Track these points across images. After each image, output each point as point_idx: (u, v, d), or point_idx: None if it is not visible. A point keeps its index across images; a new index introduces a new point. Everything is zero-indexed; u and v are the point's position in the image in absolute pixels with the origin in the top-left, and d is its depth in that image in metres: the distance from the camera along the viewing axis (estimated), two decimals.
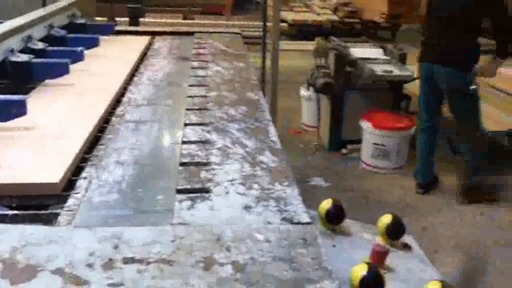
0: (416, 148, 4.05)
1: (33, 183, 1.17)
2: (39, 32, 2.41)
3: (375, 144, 4.21)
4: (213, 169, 1.30)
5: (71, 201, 1.16)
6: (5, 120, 1.49)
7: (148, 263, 0.88)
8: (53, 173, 1.21)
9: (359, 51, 4.46)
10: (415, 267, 1.41)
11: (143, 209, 1.15)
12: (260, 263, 0.89)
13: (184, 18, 12.33)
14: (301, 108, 5.25)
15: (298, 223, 1.04)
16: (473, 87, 3.67)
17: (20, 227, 0.98)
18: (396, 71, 4.22)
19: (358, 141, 4.39)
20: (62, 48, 2.26)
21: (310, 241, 0.96)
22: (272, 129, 1.62)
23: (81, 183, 1.25)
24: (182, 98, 1.97)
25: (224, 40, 3.24)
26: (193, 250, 0.92)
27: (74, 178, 1.27)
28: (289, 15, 10.73)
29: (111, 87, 2.02)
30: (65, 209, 1.12)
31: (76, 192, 1.20)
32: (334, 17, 10.59)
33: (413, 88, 4.68)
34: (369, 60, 4.25)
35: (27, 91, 1.92)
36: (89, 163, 1.36)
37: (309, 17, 10.68)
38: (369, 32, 10.60)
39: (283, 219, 1.06)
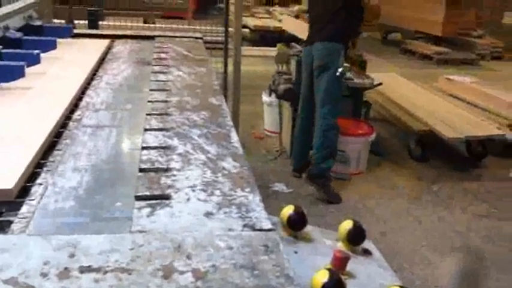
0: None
1: None
2: None
3: None
4: (174, 175, 1.27)
5: (25, 208, 1.12)
6: None
7: (106, 272, 0.85)
8: (6, 179, 1.17)
9: None
10: (375, 272, 1.41)
11: (101, 216, 1.12)
12: (221, 271, 0.87)
13: (145, 22, 12.22)
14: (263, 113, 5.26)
15: (260, 230, 1.02)
16: (340, 69, 3.85)
17: None
18: (358, 79, 4.27)
19: None
20: (17, 50, 2.19)
21: (272, 248, 0.95)
22: (234, 135, 1.61)
23: (36, 189, 1.21)
24: (142, 103, 1.94)
25: (186, 45, 3.21)
26: (153, 258, 0.89)
27: (28, 184, 1.22)
28: (251, 21, 10.77)
29: (68, 91, 1.97)
30: (19, 216, 1.08)
31: (31, 198, 1.16)
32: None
33: (374, 95, 4.75)
34: None
35: None
36: (45, 169, 1.32)
37: (270, 23, 10.74)
38: None
39: (245, 225, 1.04)
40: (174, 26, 8.25)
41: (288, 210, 1.36)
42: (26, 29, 2.73)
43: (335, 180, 4.27)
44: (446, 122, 4.35)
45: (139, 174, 1.28)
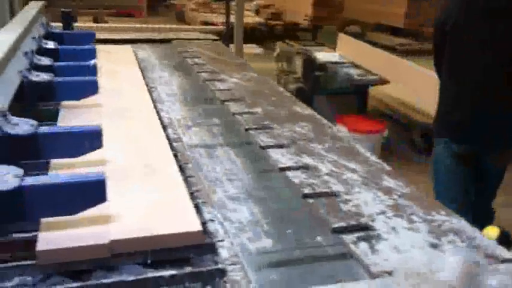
0: None
1: (173, 234, 0.98)
2: (30, 45, 2.12)
3: None
4: (347, 201, 1.17)
5: (223, 252, 0.98)
6: (77, 156, 1.26)
7: None
8: (186, 220, 1.03)
9: (321, 55, 4.43)
10: None
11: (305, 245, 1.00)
12: None
13: (95, 21, 11.78)
14: None
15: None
16: None
17: None
18: (362, 75, 4.24)
19: None
20: (71, 63, 2.00)
21: None
22: (360, 148, 1.51)
23: (211, 226, 1.07)
24: (227, 116, 1.81)
25: (209, 47, 3.08)
26: None
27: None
28: (215, 18, 10.61)
29: (145, 107, 1.81)
30: (227, 262, 0.95)
31: (219, 239, 1.02)
32: (259, 19, 10.60)
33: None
34: (337, 64, 4.24)
35: (47, 115, 1.67)
36: (198, 201, 1.18)
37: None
38: (289, 34, 10.72)
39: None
40: (144, 25, 7.95)
41: (492, 232, 1.28)
42: (48, 37, 2.52)
43: None
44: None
45: (306, 200, 1.17)
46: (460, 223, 1.06)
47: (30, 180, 0.95)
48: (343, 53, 4.31)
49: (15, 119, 1.21)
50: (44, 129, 1.24)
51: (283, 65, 4.32)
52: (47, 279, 0.93)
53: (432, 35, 2.82)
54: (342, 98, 4.37)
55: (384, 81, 4.17)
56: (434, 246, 0.98)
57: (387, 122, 4.37)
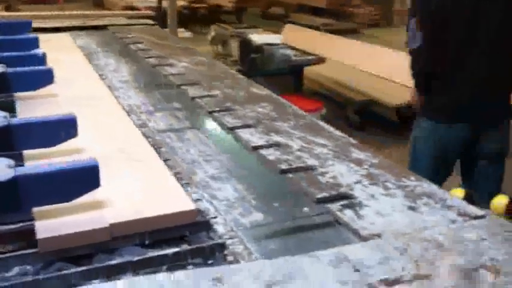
0: None
1: (169, 214, 1.01)
2: None
3: None
4: (322, 174, 1.24)
5: (220, 228, 1.02)
6: (53, 145, 1.25)
7: None
8: (179, 200, 1.06)
9: (256, 37, 4.49)
10: None
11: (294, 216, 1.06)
12: None
13: (8, 9, 11.24)
14: None
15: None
16: None
17: None
18: (297, 55, 4.34)
19: None
20: (20, 53, 1.93)
21: None
22: (324, 124, 1.58)
23: (200, 204, 1.11)
24: (186, 100, 1.83)
25: (149, 33, 3.06)
26: None
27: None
28: (135, 2, 10.38)
29: (103, 95, 1.80)
30: (225, 237, 0.99)
31: (212, 216, 1.06)
32: (182, 2, 10.48)
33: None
34: (273, 46, 4.31)
35: (3, 107, 1.63)
36: (181, 182, 1.20)
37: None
38: (213, 17, 10.71)
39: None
40: (74, 12, 7.66)
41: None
42: None
43: None
44: (384, 90, 4.58)
45: (284, 175, 1.23)
46: (431, 187, 1.16)
47: (24, 170, 0.95)
48: (289, 41, 4.40)
49: None
50: (17, 120, 1.22)
51: (219, 48, 4.34)
52: (48, 267, 0.93)
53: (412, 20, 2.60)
54: (279, 78, 4.46)
55: (319, 61, 4.30)
56: (412, 208, 1.07)
57: (322, 101, 4.54)
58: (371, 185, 1.17)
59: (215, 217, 1.06)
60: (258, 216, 1.07)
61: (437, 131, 2.67)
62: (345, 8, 10.92)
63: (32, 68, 1.73)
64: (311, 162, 1.29)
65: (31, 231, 0.95)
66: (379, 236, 0.97)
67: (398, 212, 1.05)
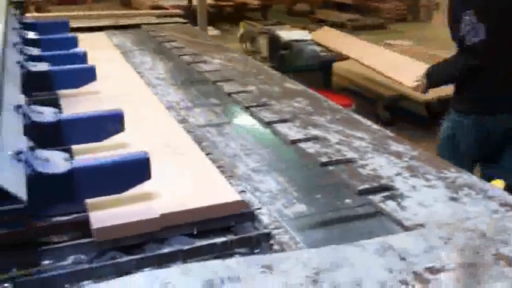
0: None
1: (216, 205, 1.04)
2: (12, 36, 2.10)
3: None
4: (362, 166, 1.26)
5: (264, 219, 1.05)
6: (100, 140, 1.29)
7: None
8: (225, 191, 1.09)
9: (284, 34, 4.51)
10: None
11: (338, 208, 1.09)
12: None
13: (38, 10, 11.44)
14: None
15: None
16: None
17: None
18: (325, 51, 4.35)
19: None
20: (63, 52, 1.99)
21: None
22: (360, 118, 1.60)
23: (244, 196, 1.14)
24: (223, 96, 1.86)
25: (182, 31, 3.10)
26: None
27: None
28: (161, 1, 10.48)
29: (142, 92, 1.84)
30: (271, 227, 1.02)
31: (256, 207, 1.09)
32: (209, 1, 10.53)
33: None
34: (301, 42, 4.33)
35: (48, 104, 1.68)
36: (224, 175, 1.24)
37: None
38: (239, 15, 10.74)
39: None
40: (109, 12, 7.78)
41: (499, 185, 1.39)
42: (23, 27, 2.48)
43: None
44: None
45: (325, 168, 1.26)
46: (471, 178, 1.17)
47: (79, 162, 0.99)
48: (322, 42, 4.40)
49: (38, 108, 1.23)
50: (67, 115, 1.27)
51: (248, 45, 4.37)
52: (102, 256, 0.97)
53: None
54: (308, 74, 4.46)
55: (346, 57, 4.29)
56: (454, 199, 1.08)
57: (352, 97, 4.54)
58: (412, 177, 1.19)
59: (259, 208, 1.09)
60: (301, 208, 1.09)
61: (482, 123, 2.56)
62: (370, 3, 10.84)
63: (74, 66, 1.78)
64: (350, 155, 1.31)
65: (85, 222, 1.00)
66: (422, 226, 0.98)
67: (440, 203, 1.07)
